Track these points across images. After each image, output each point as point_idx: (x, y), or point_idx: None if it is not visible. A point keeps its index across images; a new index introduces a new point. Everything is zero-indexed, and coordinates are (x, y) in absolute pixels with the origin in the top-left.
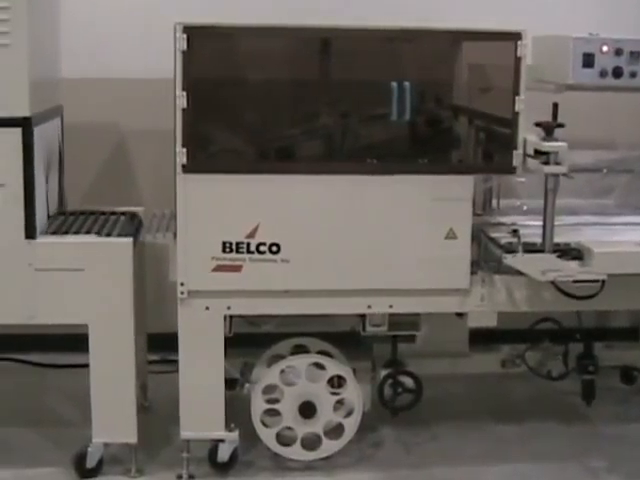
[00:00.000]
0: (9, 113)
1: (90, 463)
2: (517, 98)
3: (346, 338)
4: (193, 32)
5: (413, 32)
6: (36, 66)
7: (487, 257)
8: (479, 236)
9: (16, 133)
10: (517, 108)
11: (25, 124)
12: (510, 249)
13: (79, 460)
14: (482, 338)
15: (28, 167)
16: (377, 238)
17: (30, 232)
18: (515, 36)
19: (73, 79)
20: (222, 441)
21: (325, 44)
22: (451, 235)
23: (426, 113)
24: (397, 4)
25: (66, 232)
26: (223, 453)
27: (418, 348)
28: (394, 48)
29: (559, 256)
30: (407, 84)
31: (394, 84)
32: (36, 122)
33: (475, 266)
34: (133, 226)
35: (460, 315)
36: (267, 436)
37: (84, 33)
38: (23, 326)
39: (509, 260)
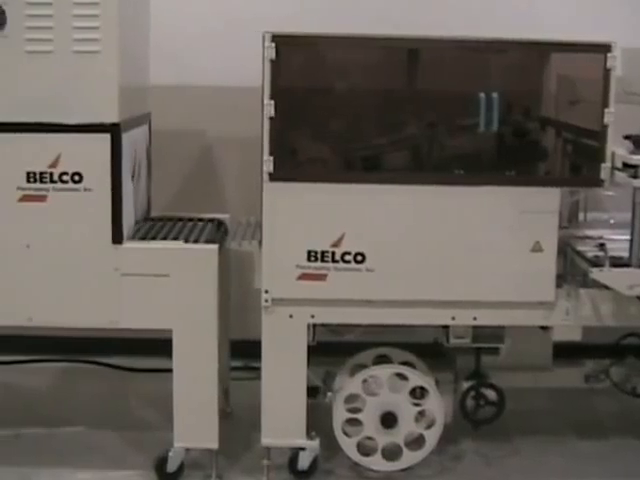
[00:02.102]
0: (98, 119)
1: (171, 467)
2: (606, 110)
3: (429, 349)
4: (281, 41)
5: (502, 43)
6: (125, 73)
7: (573, 270)
8: (565, 249)
9: (105, 139)
10: (606, 120)
11: (114, 130)
12: (596, 263)
13: (160, 464)
14: (566, 352)
15: (116, 173)
16: (462, 249)
17: (117, 237)
18: (604, 48)
19: (161, 86)
20: (303, 449)
21: (413, 54)
22: (537, 248)
23: (513, 124)
24: (481, 14)
25: (152, 238)
26: (303, 461)
27: (501, 361)
28: (482, 59)
29: None
30: (495, 95)
31: (482, 95)
32: (125, 128)
33: (560, 279)
34: (219, 233)
35: (544, 328)
36: (348, 445)
37: (173, 41)
38: (108, 330)
39: (595, 274)
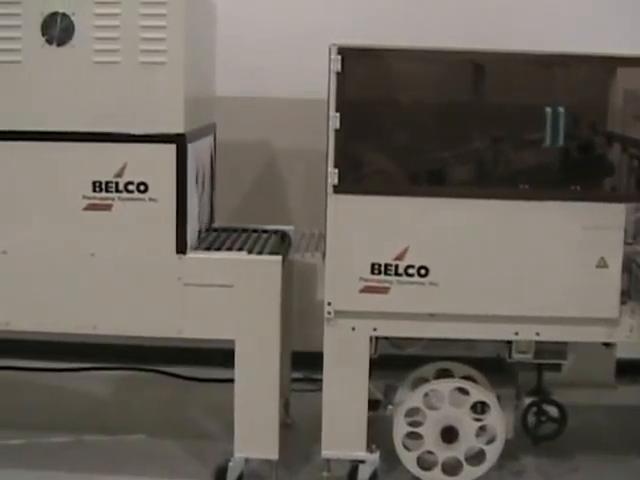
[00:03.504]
0: (164, 130)
1: (231, 477)
2: None
3: (491, 364)
4: (348, 54)
5: (568, 57)
6: (191, 84)
7: (638, 287)
8: (630, 265)
9: (170, 149)
10: None
11: (179, 141)
12: None
13: (220, 474)
14: (629, 369)
15: (181, 183)
16: (526, 264)
17: (181, 247)
18: None
19: (227, 97)
20: (362, 462)
21: (479, 68)
22: (602, 264)
23: (579, 139)
24: (544, 29)
25: (217, 248)
26: (363, 474)
27: (564, 377)
28: (548, 73)
29: None
30: (561, 109)
31: (548, 109)
32: (190, 139)
33: (625, 296)
34: (282, 245)
35: (608, 345)
36: (408, 459)
37: (240, 52)
38: (170, 339)
39: None
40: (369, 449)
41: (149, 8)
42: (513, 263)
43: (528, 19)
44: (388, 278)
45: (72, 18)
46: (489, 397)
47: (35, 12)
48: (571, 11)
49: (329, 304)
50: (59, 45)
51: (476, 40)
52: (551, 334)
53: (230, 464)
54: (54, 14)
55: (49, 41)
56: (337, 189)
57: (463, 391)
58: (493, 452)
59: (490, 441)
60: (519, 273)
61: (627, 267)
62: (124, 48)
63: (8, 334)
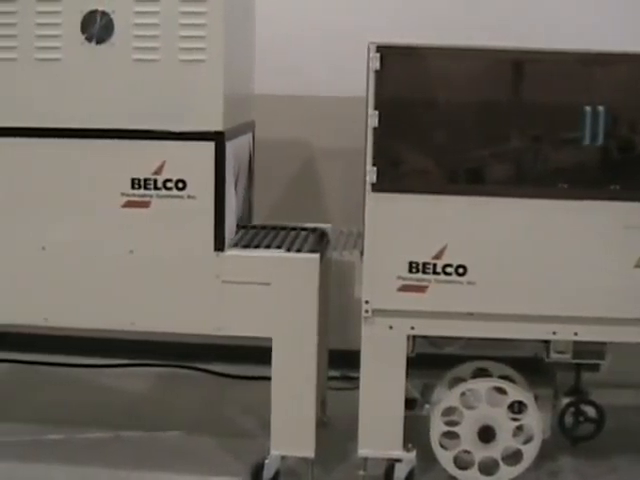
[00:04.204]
0: (203, 127)
1: (267, 475)
2: None
3: (529, 364)
4: (386, 52)
5: (608, 56)
6: (230, 82)
7: None
8: None
9: (209, 147)
10: None
11: (218, 138)
12: None
13: (256, 471)
14: None
15: (219, 181)
16: (565, 264)
17: (219, 245)
18: None
19: (265, 95)
20: (399, 461)
21: (518, 66)
22: None
23: (619, 138)
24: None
25: (255, 246)
26: (399, 473)
27: (602, 377)
28: (588, 72)
29: None
30: (601, 108)
31: (587, 108)
32: (229, 137)
33: None
34: (320, 242)
35: None
36: (445, 458)
37: (279, 50)
38: (207, 336)
39: None
40: (406, 448)
41: (188, 6)
42: (551, 262)
43: (565, 17)
44: (426, 277)
45: (112, 16)
46: (527, 397)
47: (75, 10)
48: (609, 9)
49: (367, 302)
50: (98, 43)
51: (518, 38)
52: (589, 334)
53: (266, 462)
54: (94, 12)
55: (89, 39)
56: (375, 187)
57: (501, 390)
58: (530, 452)
59: (527, 441)
60: (557, 272)
61: None
62: (163, 46)
63: (47, 330)
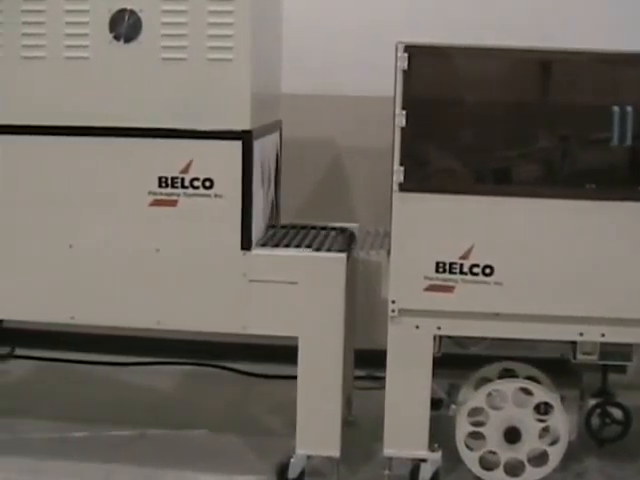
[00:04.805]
0: (230, 126)
1: (292, 474)
2: None
3: (555, 364)
4: (414, 52)
5: (636, 56)
6: (258, 81)
7: None
8: None
9: (236, 146)
10: None
11: (245, 137)
12: None
13: (282, 470)
14: None
15: (247, 180)
16: (592, 264)
17: (246, 244)
18: None
19: (292, 94)
20: (424, 461)
21: (546, 66)
22: None
23: None
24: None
25: (282, 245)
26: (425, 473)
27: (628, 379)
28: (616, 72)
29: None
30: (629, 109)
31: (616, 108)
32: (256, 136)
33: None
34: (347, 242)
35: None
36: (470, 459)
37: (306, 50)
38: (233, 335)
39: None
40: (431, 448)
41: (216, 5)
42: (578, 263)
43: (591, 16)
44: (453, 277)
45: (140, 15)
46: (553, 398)
47: (103, 9)
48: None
49: (393, 302)
50: (126, 42)
51: (544, 39)
52: (616, 335)
53: (292, 461)
54: (122, 11)
55: (117, 38)
56: (403, 187)
57: (527, 391)
58: (556, 453)
59: (553, 442)
60: (584, 273)
61: None
62: (191, 45)
63: (73, 328)
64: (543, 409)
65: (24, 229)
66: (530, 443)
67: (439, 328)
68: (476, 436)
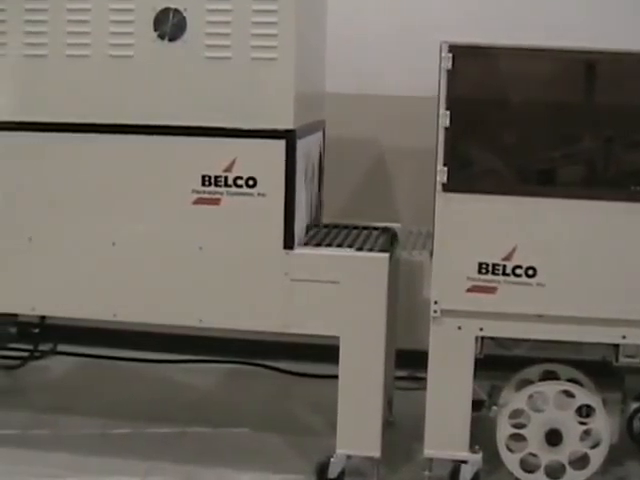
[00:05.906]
0: (274, 125)
1: (332, 473)
2: None
3: (597, 367)
4: (458, 51)
5: None
6: (301, 80)
7: None
8: None
9: (280, 145)
10: None
11: (289, 137)
12: None
13: (321, 469)
14: None
15: (290, 179)
16: (635, 267)
17: (288, 242)
18: None
19: (336, 94)
20: (465, 462)
21: (591, 67)
22: None
23: None
24: None
25: (324, 245)
26: (465, 474)
27: None
28: None
29: None
30: None
31: None
32: (299, 135)
33: None
34: (389, 242)
35: None
36: (511, 461)
37: (350, 50)
38: (275, 333)
39: None
40: (472, 449)
41: (260, 4)
42: (622, 265)
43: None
44: (495, 278)
45: (184, 14)
46: (595, 401)
47: (147, 8)
48: None
49: (435, 303)
50: (171, 40)
51: (590, 39)
52: None
53: (332, 460)
54: (166, 10)
55: (161, 36)
56: (446, 187)
57: (568, 394)
58: (597, 457)
59: (595, 445)
60: (628, 276)
61: None
62: (235, 44)
63: (116, 325)
64: (585, 412)
65: (68, 227)
66: (571, 446)
67: (481, 329)
68: (517, 438)
